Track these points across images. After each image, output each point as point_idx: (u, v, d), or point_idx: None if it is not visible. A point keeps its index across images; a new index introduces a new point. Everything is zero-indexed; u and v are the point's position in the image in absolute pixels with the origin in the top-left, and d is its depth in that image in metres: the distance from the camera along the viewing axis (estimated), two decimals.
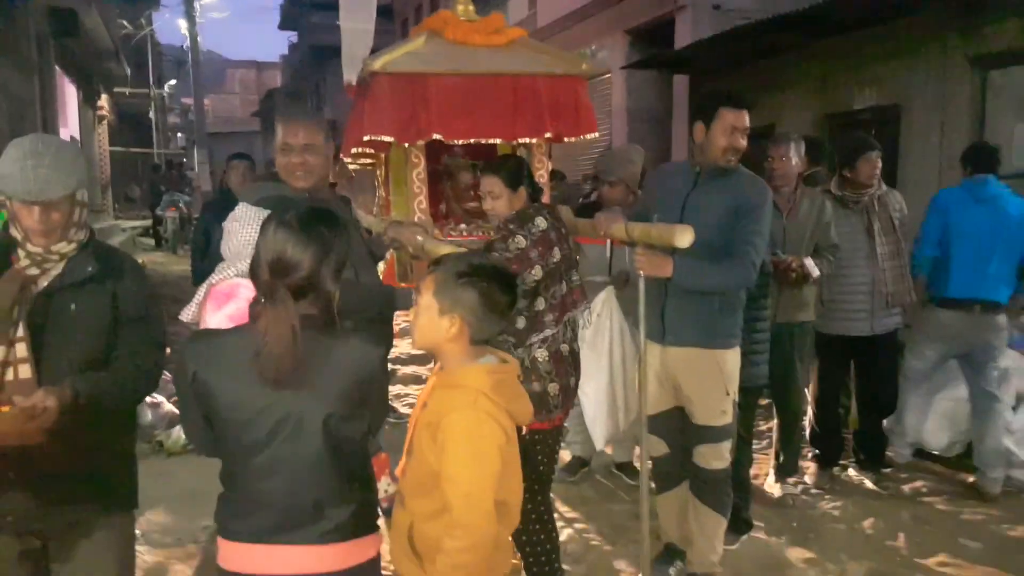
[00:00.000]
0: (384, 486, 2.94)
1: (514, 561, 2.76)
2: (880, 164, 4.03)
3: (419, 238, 2.54)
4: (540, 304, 2.72)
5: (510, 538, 2.09)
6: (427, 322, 1.82)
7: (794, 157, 3.75)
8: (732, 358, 2.97)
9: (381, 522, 1.98)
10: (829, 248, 3.85)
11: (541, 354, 2.70)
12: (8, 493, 1.93)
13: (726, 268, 2.77)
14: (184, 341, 1.80)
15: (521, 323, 2.69)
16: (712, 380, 2.93)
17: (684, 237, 2.47)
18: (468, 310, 1.79)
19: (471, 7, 3.00)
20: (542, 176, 3.06)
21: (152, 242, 15.56)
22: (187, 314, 2.32)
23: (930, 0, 6.00)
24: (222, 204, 4.57)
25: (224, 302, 1.87)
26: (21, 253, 1.96)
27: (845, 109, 7.31)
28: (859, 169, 4.00)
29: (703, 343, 2.92)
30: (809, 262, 3.70)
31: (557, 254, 2.69)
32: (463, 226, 3.16)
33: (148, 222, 15.90)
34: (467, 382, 1.77)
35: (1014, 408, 4.36)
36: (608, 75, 11.25)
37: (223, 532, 1.77)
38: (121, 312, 2.03)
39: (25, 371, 1.91)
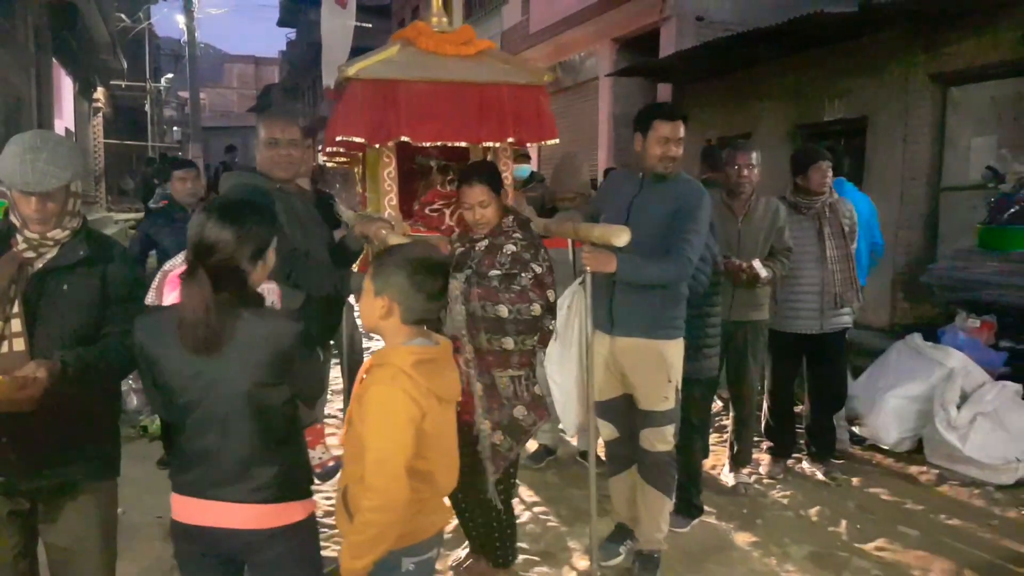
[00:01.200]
0: (319, 454, 3.15)
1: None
2: (830, 173, 4.27)
3: (383, 232, 2.75)
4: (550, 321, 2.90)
5: (446, 501, 2.27)
6: (365, 303, 2.03)
7: (756, 165, 4.02)
8: (674, 348, 3.20)
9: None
10: (783, 251, 4.08)
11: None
12: (1, 456, 2.10)
13: (664, 263, 3.00)
14: (136, 318, 2.03)
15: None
16: (656, 368, 3.15)
17: (621, 237, 2.72)
18: (397, 291, 1.97)
19: (444, 19, 3.20)
20: (507, 178, 3.27)
21: None
22: (148, 298, 2.54)
23: (896, 19, 6.24)
24: (167, 214, 4.64)
25: (176, 286, 2.11)
26: (19, 238, 2.14)
27: (816, 120, 7.55)
28: (811, 177, 4.24)
29: (648, 334, 3.14)
30: (758, 264, 3.92)
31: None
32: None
33: (140, 215, 15.97)
34: (391, 360, 1.94)
35: (958, 406, 4.60)
36: (595, 81, 11.48)
37: (172, 485, 2.01)
38: (109, 293, 2.20)
39: (19, 344, 2.08)
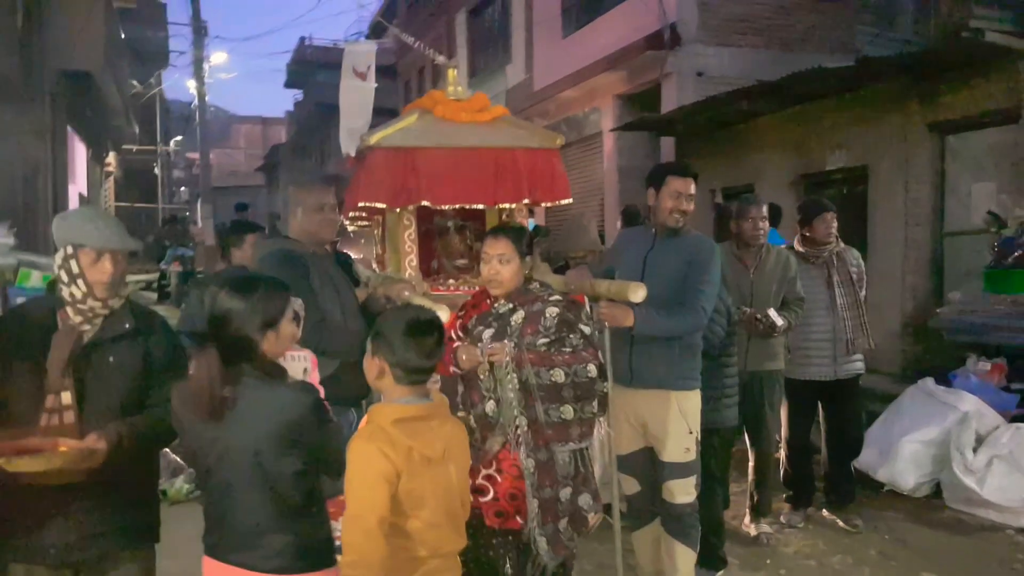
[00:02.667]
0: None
1: None
2: (835, 223, 4.37)
3: (406, 293, 2.84)
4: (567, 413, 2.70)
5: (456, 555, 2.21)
6: (365, 364, 2.10)
7: (767, 218, 4.15)
8: (693, 399, 3.26)
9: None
10: (796, 301, 4.16)
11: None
12: (51, 527, 2.14)
13: (680, 315, 3.10)
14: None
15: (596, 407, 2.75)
16: (675, 419, 3.21)
17: (638, 293, 2.81)
18: (387, 352, 2.03)
19: (460, 88, 3.37)
20: None
21: (155, 296, 15.79)
22: None
23: (891, 72, 6.43)
24: None
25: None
26: (70, 311, 2.18)
27: (818, 169, 7.70)
28: (816, 228, 4.36)
29: (666, 385, 3.21)
30: (773, 313, 4.01)
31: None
32: (451, 281, 3.47)
33: (152, 276, 16.14)
34: (374, 418, 2.00)
35: (974, 449, 4.61)
36: (599, 136, 11.71)
37: (203, 547, 2.06)
38: (153, 364, 2.27)
39: (69, 416, 2.13)
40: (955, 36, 5.55)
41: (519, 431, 2.61)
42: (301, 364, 2.25)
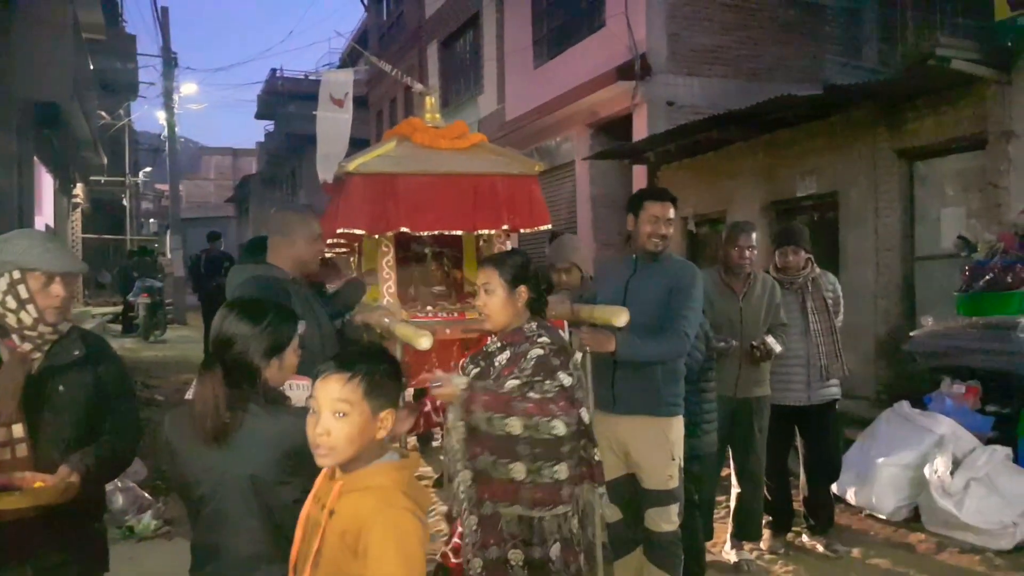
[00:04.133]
0: None
1: None
2: (799, 253, 4.42)
3: (385, 320, 2.80)
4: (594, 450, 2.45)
5: None
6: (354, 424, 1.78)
7: (756, 246, 4.18)
8: (676, 425, 3.24)
9: None
10: (780, 327, 4.20)
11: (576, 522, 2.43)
12: (9, 567, 2.06)
13: (662, 340, 3.09)
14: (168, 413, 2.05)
15: (570, 472, 2.36)
16: (659, 446, 3.18)
17: (620, 318, 2.79)
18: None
19: (437, 115, 3.36)
20: None
21: (120, 328, 15.51)
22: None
23: (859, 100, 6.57)
24: None
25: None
26: (16, 338, 2.09)
27: (788, 196, 7.82)
28: (778, 259, 4.47)
29: (649, 411, 3.18)
30: (771, 340, 4.07)
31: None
32: (429, 308, 3.44)
33: (118, 309, 15.88)
34: (378, 482, 1.68)
35: (951, 472, 4.63)
36: (572, 164, 11.81)
37: None
38: (104, 392, 2.20)
39: (22, 450, 2.05)
40: (921, 64, 5.67)
41: (461, 486, 2.34)
42: (303, 392, 2.19)
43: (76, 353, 2.17)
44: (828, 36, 10.41)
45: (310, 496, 1.79)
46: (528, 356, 2.39)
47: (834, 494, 4.74)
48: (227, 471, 1.89)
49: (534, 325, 2.49)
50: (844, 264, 6.96)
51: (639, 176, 10.23)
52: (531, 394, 2.30)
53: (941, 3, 7.19)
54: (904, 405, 5.16)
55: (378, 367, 1.73)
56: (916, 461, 4.76)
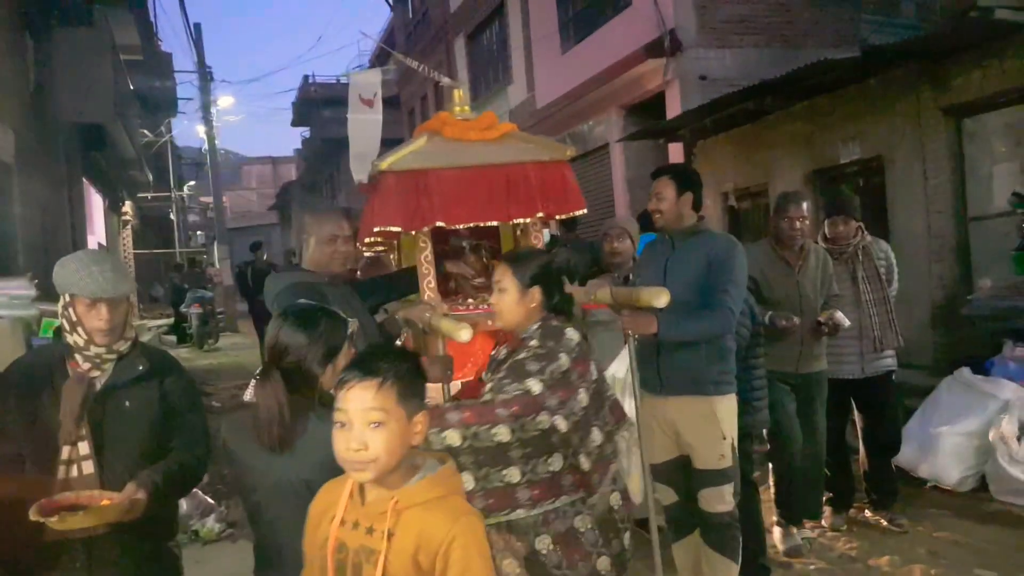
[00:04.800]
0: None
1: None
2: (848, 223, 4.30)
3: (427, 315, 2.81)
4: (596, 436, 2.33)
5: None
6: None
7: (808, 216, 4.04)
8: (726, 403, 3.17)
9: None
10: (834, 298, 4.09)
11: (582, 521, 2.29)
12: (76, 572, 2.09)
13: (706, 317, 3.03)
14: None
15: (586, 463, 2.28)
16: (708, 425, 3.12)
17: (661, 298, 2.74)
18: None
19: (467, 108, 3.35)
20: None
21: (175, 339, 15.94)
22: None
23: (900, 58, 6.35)
24: None
25: None
26: (79, 358, 2.15)
27: (832, 164, 7.60)
28: (826, 229, 4.36)
29: (697, 391, 3.13)
30: (840, 315, 3.96)
31: (594, 368, 2.39)
32: (470, 300, 3.43)
33: (171, 320, 16.32)
34: (438, 492, 1.59)
35: (1018, 438, 4.48)
36: (606, 147, 11.70)
37: None
38: (170, 407, 2.23)
39: (88, 467, 2.08)
40: (963, 17, 5.45)
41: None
42: None
43: (140, 368, 2.20)
44: None
45: (330, 522, 1.62)
46: (512, 358, 2.32)
47: (897, 467, 4.62)
48: (284, 476, 1.92)
49: (535, 327, 2.37)
50: (894, 230, 6.75)
51: (675, 154, 10.08)
52: (542, 378, 2.19)
53: None
54: (965, 372, 5.01)
55: (404, 366, 1.62)
56: (980, 428, 4.62)
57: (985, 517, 4.38)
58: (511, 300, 2.40)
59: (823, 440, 4.18)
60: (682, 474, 3.28)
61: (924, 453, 4.77)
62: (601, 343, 3.71)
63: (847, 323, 3.96)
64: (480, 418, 2.10)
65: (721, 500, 3.16)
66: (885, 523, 4.36)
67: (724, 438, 3.13)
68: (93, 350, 2.14)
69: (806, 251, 4.04)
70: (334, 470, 1.89)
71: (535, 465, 2.20)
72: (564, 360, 2.24)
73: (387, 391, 1.55)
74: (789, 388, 4.01)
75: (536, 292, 2.38)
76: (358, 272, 4.50)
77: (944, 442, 4.69)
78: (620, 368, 3.42)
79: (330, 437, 1.88)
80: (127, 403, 2.16)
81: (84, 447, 2.08)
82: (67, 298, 2.13)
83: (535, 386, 2.17)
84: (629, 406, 2.91)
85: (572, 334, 2.34)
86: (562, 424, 2.19)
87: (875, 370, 4.28)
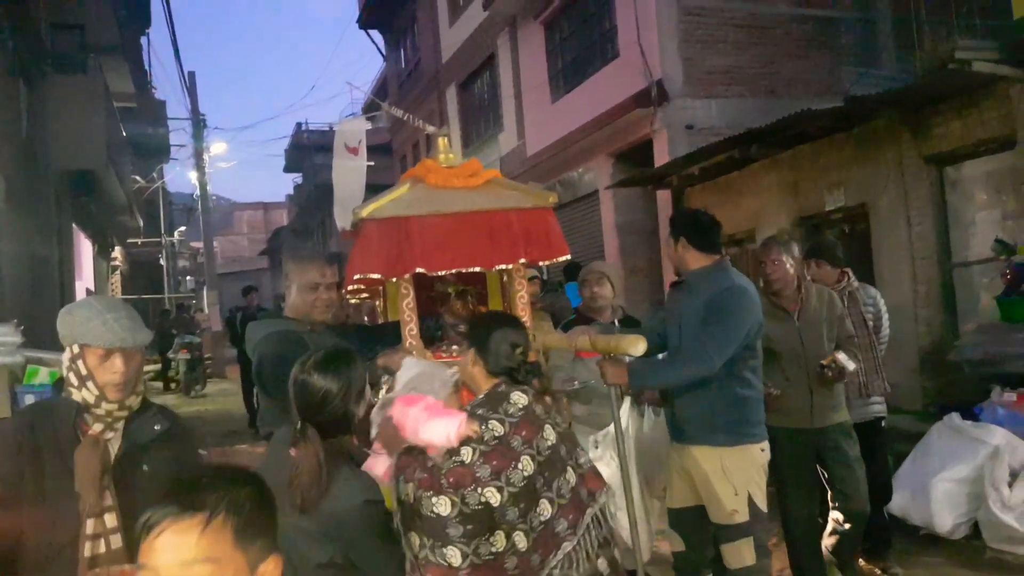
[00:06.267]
0: None
1: None
2: (826, 267, 4.28)
3: (406, 361, 2.78)
4: (544, 509, 2.13)
5: None
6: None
7: (787, 259, 3.76)
8: (738, 455, 3.01)
9: None
10: (848, 339, 3.88)
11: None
12: None
13: (680, 362, 2.98)
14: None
15: (522, 542, 2.09)
16: (717, 480, 2.98)
17: (638, 346, 2.71)
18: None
19: (452, 155, 3.36)
20: (523, 296, 3.31)
21: (160, 386, 15.75)
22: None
23: (882, 107, 6.46)
24: None
25: (414, 402, 2.17)
26: (89, 418, 1.93)
27: (817, 211, 7.68)
28: (806, 273, 4.25)
29: (706, 440, 3.02)
30: (842, 357, 3.69)
31: (551, 434, 2.21)
32: (455, 347, 3.40)
33: (158, 367, 16.12)
34: None
35: (1009, 484, 4.43)
36: (596, 194, 11.80)
37: None
38: (181, 470, 2.02)
39: (116, 541, 1.87)
40: (942, 68, 5.56)
41: None
42: (384, 462, 2.17)
43: (157, 428, 2.03)
44: (844, 47, 10.34)
45: None
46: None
47: (889, 514, 4.56)
48: (295, 524, 1.86)
49: (484, 393, 2.29)
50: (880, 275, 6.80)
51: (663, 201, 10.17)
52: (481, 447, 2.11)
53: (956, 6, 7.07)
54: (954, 417, 4.97)
55: (243, 492, 1.16)
56: (972, 475, 4.57)
57: (979, 565, 4.32)
58: (464, 363, 2.41)
59: (863, 496, 3.84)
60: (699, 523, 3.14)
61: (916, 500, 4.70)
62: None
63: (852, 366, 3.71)
64: (429, 485, 2.04)
65: (736, 556, 2.99)
66: (880, 572, 4.28)
67: (736, 494, 2.96)
68: (104, 407, 1.93)
69: (804, 293, 3.82)
70: (321, 523, 1.87)
71: (476, 545, 2.04)
72: (495, 426, 2.14)
73: (217, 532, 1.11)
74: (802, 444, 3.72)
75: (473, 354, 2.35)
76: (364, 318, 4.47)
77: (936, 489, 4.63)
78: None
79: (353, 493, 1.87)
80: (145, 467, 1.96)
81: (111, 519, 1.87)
82: (76, 349, 1.92)
83: (467, 454, 2.08)
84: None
85: (517, 398, 2.22)
86: (493, 496, 2.04)
87: (862, 416, 4.20)
